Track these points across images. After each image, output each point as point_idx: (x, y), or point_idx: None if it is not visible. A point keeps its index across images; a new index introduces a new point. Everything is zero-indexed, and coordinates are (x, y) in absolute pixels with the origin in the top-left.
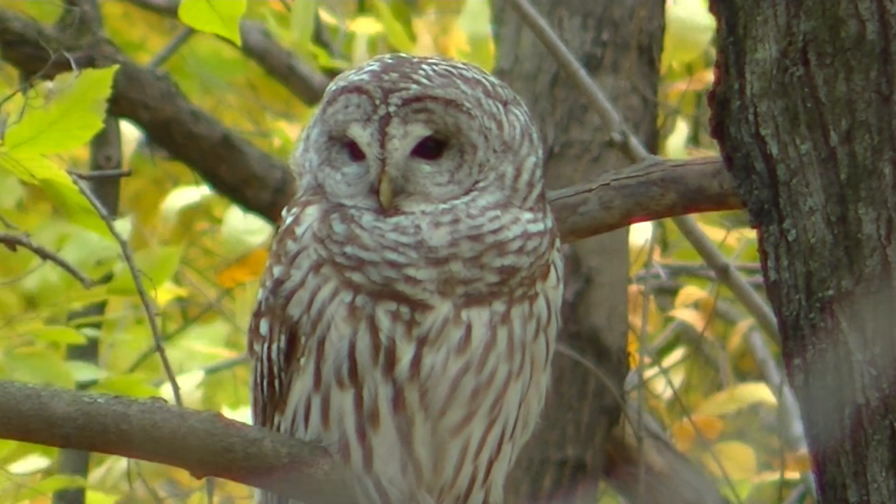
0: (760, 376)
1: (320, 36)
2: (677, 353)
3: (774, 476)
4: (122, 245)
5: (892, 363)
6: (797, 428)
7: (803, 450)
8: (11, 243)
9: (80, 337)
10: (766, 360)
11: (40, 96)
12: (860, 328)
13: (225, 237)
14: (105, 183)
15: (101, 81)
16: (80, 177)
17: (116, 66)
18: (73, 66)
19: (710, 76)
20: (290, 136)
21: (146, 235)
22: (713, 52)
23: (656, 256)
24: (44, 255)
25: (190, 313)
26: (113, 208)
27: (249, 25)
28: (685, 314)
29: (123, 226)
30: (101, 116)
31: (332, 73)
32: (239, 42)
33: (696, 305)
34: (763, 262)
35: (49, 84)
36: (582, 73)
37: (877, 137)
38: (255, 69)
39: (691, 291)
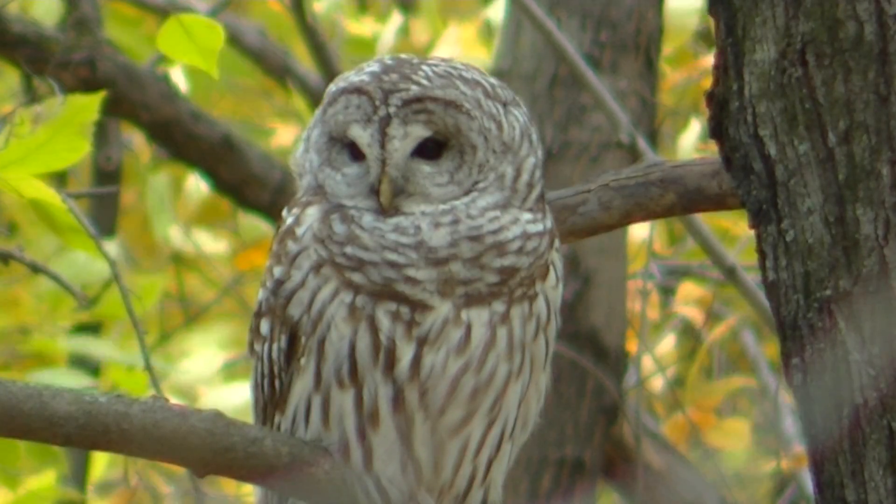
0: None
1: (315, 37)
2: (670, 340)
3: (769, 473)
4: (111, 264)
5: (889, 363)
6: (790, 426)
7: (797, 448)
8: (3, 257)
9: (59, 347)
10: (759, 359)
11: (27, 121)
12: (858, 328)
13: (245, 220)
14: (105, 184)
15: (87, 106)
16: (69, 195)
17: (103, 93)
18: (58, 91)
19: (700, 63)
20: (287, 137)
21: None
22: (703, 42)
23: (660, 251)
24: (36, 269)
25: (191, 312)
26: (113, 209)
27: (246, 25)
28: (687, 311)
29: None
30: (88, 140)
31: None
32: (217, 75)
33: (696, 303)
34: (761, 262)
35: (37, 108)
36: (590, 74)
37: (875, 138)
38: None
39: (690, 290)
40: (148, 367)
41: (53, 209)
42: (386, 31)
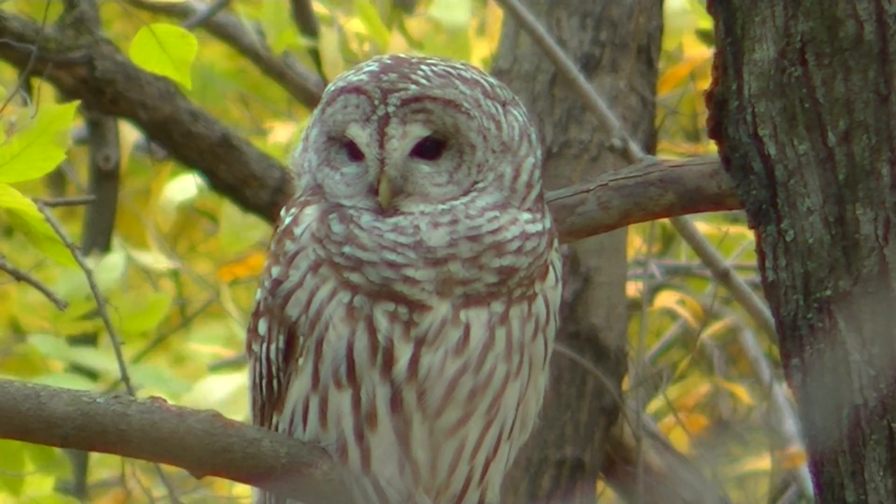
0: (753, 375)
1: (314, 34)
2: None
3: (767, 473)
4: (87, 274)
5: (889, 363)
6: (788, 426)
7: (794, 447)
8: None
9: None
10: (759, 359)
11: (3, 131)
12: (858, 328)
13: (224, 233)
14: (104, 184)
15: (62, 116)
16: (46, 203)
17: (77, 102)
18: (28, 101)
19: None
20: (283, 135)
21: (146, 230)
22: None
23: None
24: (18, 277)
25: (188, 312)
26: (111, 209)
27: (244, 26)
28: (683, 311)
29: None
30: (63, 149)
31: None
32: (190, 86)
33: (683, 303)
34: (761, 262)
35: (11, 118)
36: (581, 79)
37: (874, 138)
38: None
39: (669, 295)
40: (125, 379)
41: (29, 217)
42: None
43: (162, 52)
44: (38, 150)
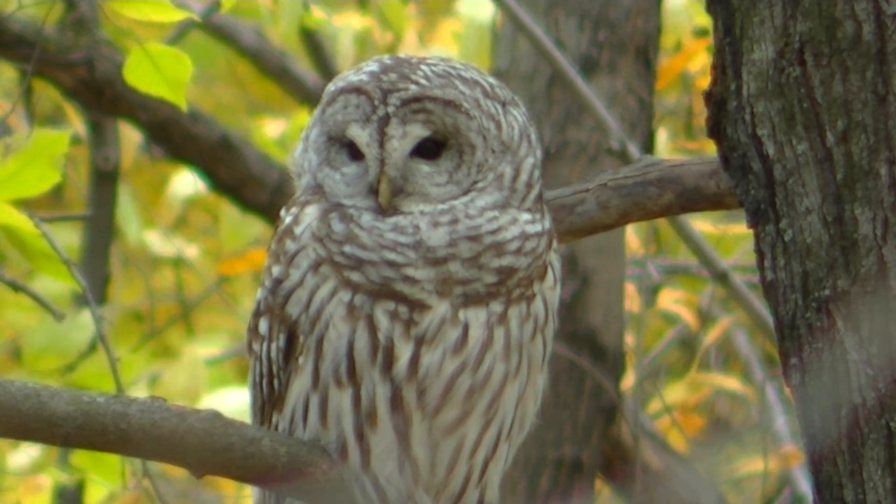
0: (745, 375)
1: (312, 35)
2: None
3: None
4: (84, 290)
5: (888, 363)
6: (780, 425)
7: (787, 446)
8: None
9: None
10: (750, 358)
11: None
12: (856, 328)
13: (224, 228)
14: (103, 184)
15: (57, 141)
16: (43, 219)
17: (70, 131)
18: (26, 126)
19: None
20: (273, 134)
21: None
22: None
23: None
24: (15, 287)
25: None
26: (111, 209)
27: (243, 26)
28: (679, 310)
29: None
30: (58, 171)
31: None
32: (185, 107)
33: (680, 303)
34: (759, 261)
35: (7, 139)
36: (579, 81)
37: (873, 138)
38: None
39: (672, 295)
40: (119, 390)
41: (24, 234)
42: (343, 33)
43: (156, 72)
44: (33, 171)
